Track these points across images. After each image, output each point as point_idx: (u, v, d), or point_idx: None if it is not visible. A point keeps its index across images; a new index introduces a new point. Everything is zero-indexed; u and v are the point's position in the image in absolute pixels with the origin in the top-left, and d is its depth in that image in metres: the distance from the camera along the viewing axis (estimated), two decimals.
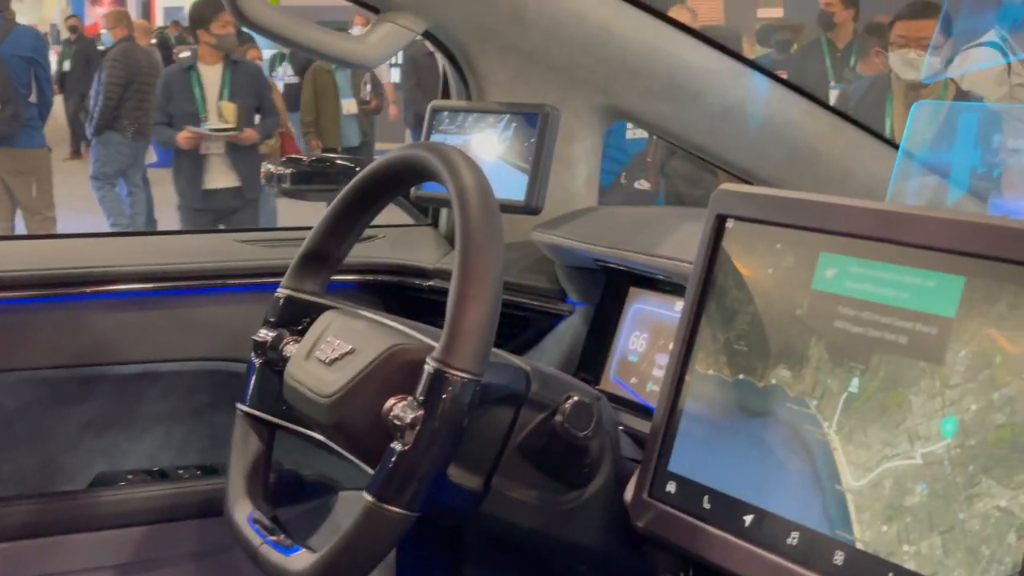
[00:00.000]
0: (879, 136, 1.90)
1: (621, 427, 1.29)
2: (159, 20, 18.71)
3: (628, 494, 1.17)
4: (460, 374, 1.06)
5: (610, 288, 1.53)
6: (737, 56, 1.82)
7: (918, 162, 1.72)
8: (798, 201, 1.09)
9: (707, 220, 1.16)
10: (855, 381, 0.99)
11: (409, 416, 1.07)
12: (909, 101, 3.96)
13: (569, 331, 1.58)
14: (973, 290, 0.92)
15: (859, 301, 1.01)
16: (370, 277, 1.75)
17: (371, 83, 8.59)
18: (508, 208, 1.55)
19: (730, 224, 1.15)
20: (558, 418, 1.13)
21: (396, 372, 1.14)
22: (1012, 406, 0.86)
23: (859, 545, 0.95)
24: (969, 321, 0.91)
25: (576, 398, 1.14)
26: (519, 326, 1.63)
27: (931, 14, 3.86)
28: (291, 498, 1.67)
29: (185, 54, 9.25)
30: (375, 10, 1.66)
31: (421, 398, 1.07)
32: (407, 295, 1.76)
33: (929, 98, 4.03)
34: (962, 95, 4.05)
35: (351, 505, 1.56)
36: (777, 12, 11.86)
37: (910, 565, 0.90)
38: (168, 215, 6.80)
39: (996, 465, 0.86)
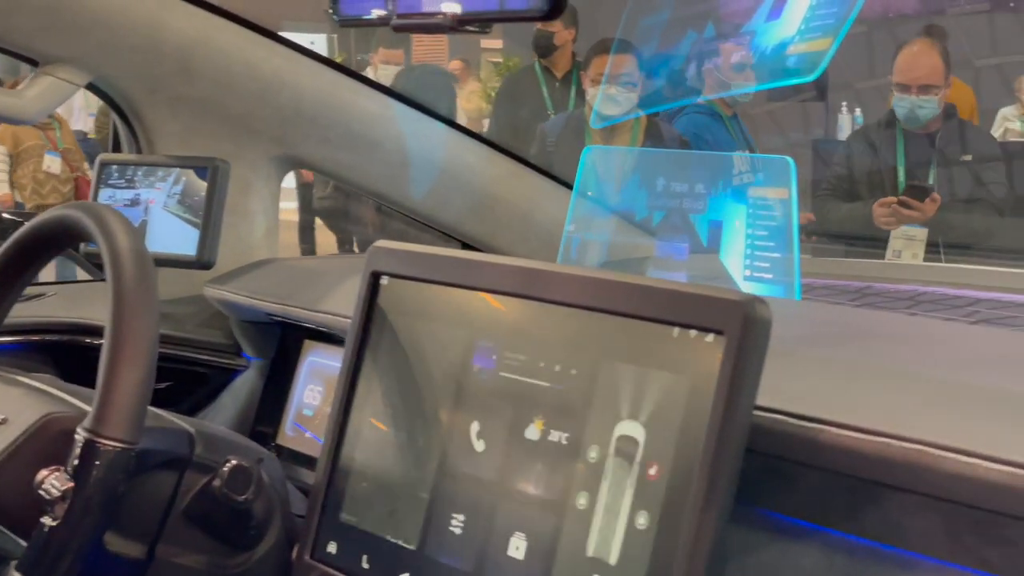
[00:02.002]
0: (555, 179, 1.99)
1: (295, 483, 1.31)
2: None
3: (295, 554, 1.19)
4: (112, 443, 1.05)
5: (285, 341, 1.56)
6: (415, 104, 1.88)
7: (591, 204, 1.83)
8: (446, 259, 1.14)
9: (363, 277, 1.20)
10: (513, 434, 1.05)
11: (59, 489, 1.05)
12: (605, 138, 4.11)
13: (245, 386, 1.59)
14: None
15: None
16: (38, 337, 1.72)
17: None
18: (180, 263, 1.56)
19: (385, 281, 1.20)
20: (216, 482, 1.15)
21: (49, 442, 1.12)
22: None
23: None
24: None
25: (234, 462, 1.15)
26: (196, 383, 1.63)
27: (628, 49, 3.99)
28: None
29: None
30: (34, 63, 1.63)
31: (72, 470, 1.06)
32: (81, 355, 1.73)
33: (623, 134, 4.20)
34: (655, 131, 4.26)
35: None
36: (498, 43, 12.10)
37: None
38: None
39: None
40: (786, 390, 0.98)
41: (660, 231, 1.72)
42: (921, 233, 3.47)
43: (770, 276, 1.56)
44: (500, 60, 11.55)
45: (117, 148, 1.78)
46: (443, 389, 1.11)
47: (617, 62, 3.85)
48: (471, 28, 1.00)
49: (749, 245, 1.59)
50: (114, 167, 1.66)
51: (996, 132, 7.62)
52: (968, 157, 3.72)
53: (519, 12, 1.01)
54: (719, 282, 1.57)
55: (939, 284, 1.82)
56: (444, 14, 1.06)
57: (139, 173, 1.63)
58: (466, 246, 1.96)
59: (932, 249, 3.48)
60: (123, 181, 1.64)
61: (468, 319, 1.11)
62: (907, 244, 3.44)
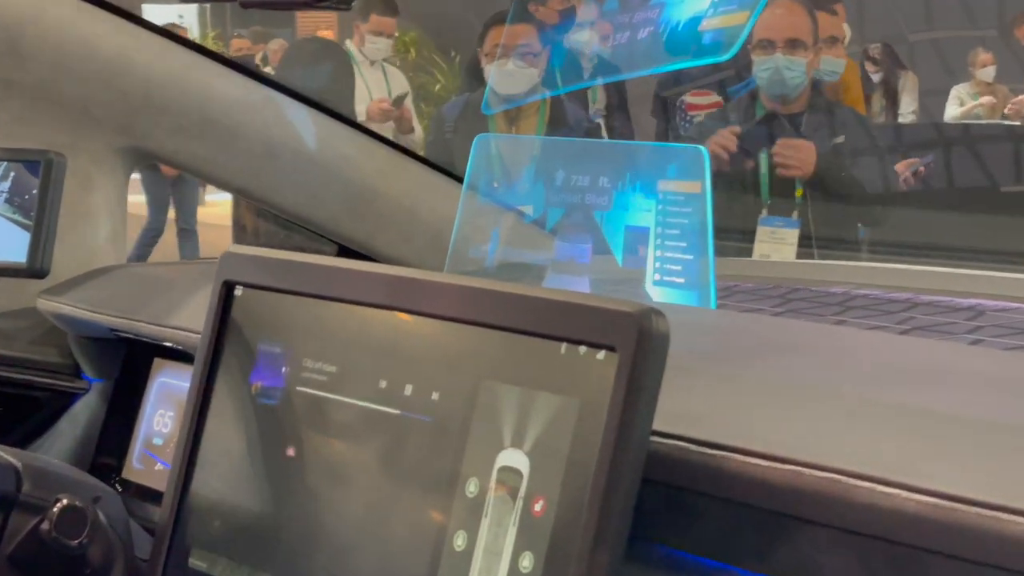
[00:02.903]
0: (443, 171, 1.99)
1: (143, 522, 1.30)
2: None
3: None
4: None
5: (131, 360, 1.54)
6: (284, 88, 1.87)
7: (483, 199, 1.82)
8: (306, 266, 1.13)
9: (214, 288, 1.19)
10: (382, 466, 1.04)
11: None
12: (510, 120, 4.11)
13: (86, 412, 1.57)
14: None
15: None
16: None
17: None
18: (7, 271, 1.52)
19: (239, 291, 1.18)
20: (45, 525, 1.12)
21: None
22: None
23: None
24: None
25: (65, 501, 1.13)
26: (28, 408, 1.60)
27: (526, 17, 3.94)
28: None
29: None
30: None
31: None
32: None
33: (528, 118, 4.21)
34: (557, 109, 4.26)
35: None
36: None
37: None
38: None
39: None
40: (689, 413, 0.98)
41: (560, 230, 1.72)
42: (791, 235, 3.51)
43: (682, 280, 1.57)
44: (396, 35, 11.57)
45: None
46: (303, 414, 1.10)
47: (513, 33, 3.85)
48: (325, 5, 0.99)
49: (659, 246, 1.60)
50: None
51: (951, 113, 7.75)
52: (840, 139, 3.69)
53: None
54: (625, 288, 1.58)
55: (873, 287, 1.85)
56: None
57: None
58: (344, 249, 1.95)
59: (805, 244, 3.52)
60: None
61: (330, 335, 1.10)
62: (773, 247, 3.48)
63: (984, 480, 0.83)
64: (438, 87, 10.19)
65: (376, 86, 6.01)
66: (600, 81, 3.16)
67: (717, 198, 3.60)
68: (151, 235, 7.24)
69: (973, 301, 1.68)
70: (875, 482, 0.85)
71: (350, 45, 6.18)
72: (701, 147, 1.58)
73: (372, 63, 6.06)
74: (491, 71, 3.91)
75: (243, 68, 1.84)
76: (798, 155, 3.56)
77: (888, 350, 1.30)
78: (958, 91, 7.95)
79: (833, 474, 0.87)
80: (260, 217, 5.76)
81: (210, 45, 10.06)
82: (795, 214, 3.63)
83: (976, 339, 1.46)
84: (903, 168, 4.81)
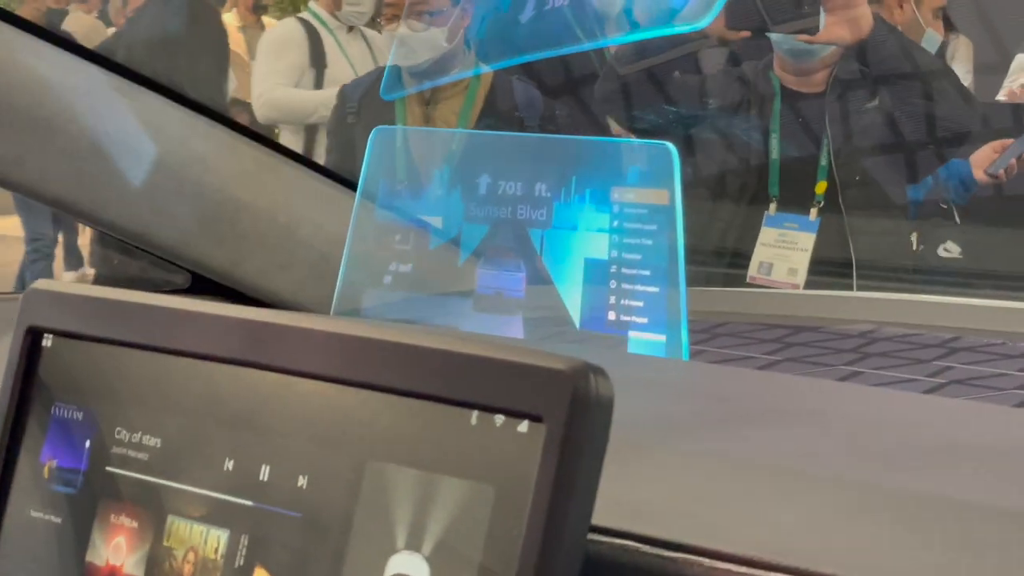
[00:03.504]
0: (335, 176, 2.00)
1: None
2: None
3: None
4: None
5: None
6: (117, 66, 1.87)
7: (384, 213, 1.84)
8: (134, 307, 1.13)
9: (14, 336, 1.18)
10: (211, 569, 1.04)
11: None
12: (424, 101, 4.12)
13: None
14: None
15: None
16: None
17: None
18: None
19: (48, 341, 1.18)
20: None
21: None
22: None
23: None
24: None
25: None
26: None
27: None
28: None
29: None
30: None
31: None
32: None
33: (454, 99, 4.23)
34: (505, 91, 4.29)
35: None
36: None
37: None
38: None
39: None
40: (640, 502, 1.00)
41: (484, 254, 1.73)
42: (806, 239, 3.55)
43: (644, 321, 1.59)
44: None
45: None
46: (115, 506, 1.10)
47: None
48: None
49: (615, 274, 1.62)
50: None
51: (1005, 91, 7.76)
52: (874, 103, 3.71)
53: None
54: (568, 332, 1.60)
55: (904, 325, 1.88)
56: None
57: None
58: (199, 280, 1.95)
59: (841, 271, 3.55)
60: None
61: (159, 399, 1.10)
62: (780, 254, 3.52)
63: None
64: None
65: (361, 59, 5.95)
66: (537, 56, 3.17)
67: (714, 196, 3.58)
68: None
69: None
70: None
71: (316, 8, 6.08)
72: (668, 144, 1.59)
73: (350, 29, 6.01)
74: (402, 39, 3.90)
75: (65, 41, 1.84)
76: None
77: (910, 415, 1.33)
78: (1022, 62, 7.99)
79: None
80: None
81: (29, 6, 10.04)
82: (813, 212, 3.68)
83: None
84: (987, 156, 4.22)
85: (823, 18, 3.50)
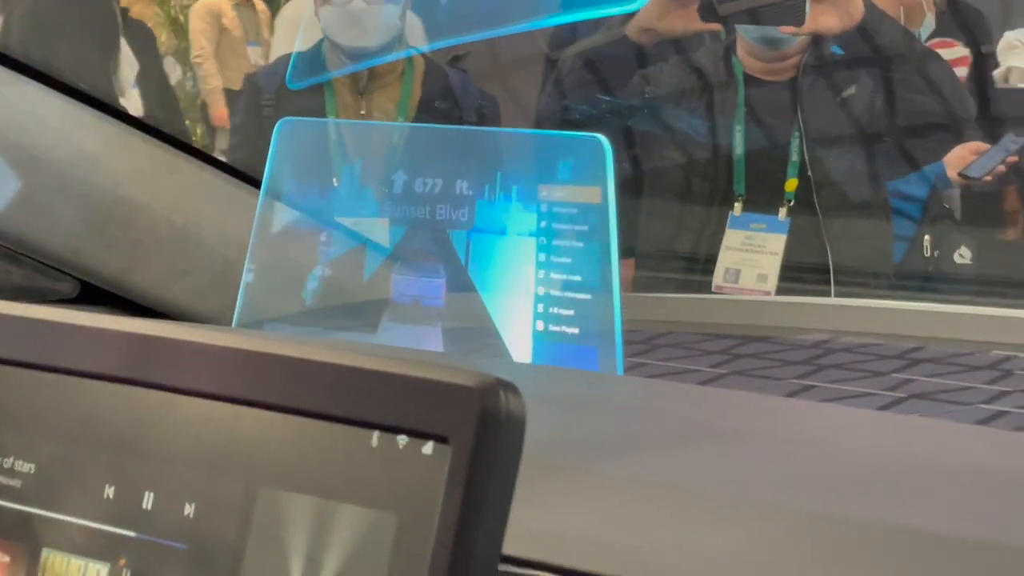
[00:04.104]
0: (239, 174, 2.01)
1: None
2: None
3: None
4: None
5: None
6: None
7: (291, 213, 1.85)
8: (6, 319, 1.15)
9: None
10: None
11: None
12: (359, 87, 4.12)
13: None
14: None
15: None
16: None
17: None
18: None
19: None
20: None
21: None
22: None
23: None
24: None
25: None
26: None
27: None
28: None
29: None
30: None
31: None
32: None
33: (389, 87, 4.23)
34: (435, 76, 4.30)
35: None
36: None
37: None
38: None
39: None
40: (556, 532, 1.01)
41: (400, 258, 1.75)
42: (775, 241, 3.57)
43: (576, 331, 1.60)
44: None
45: None
46: (1, 536, 1.11)
47: None
48: None
49: (542, 280, 1.63)
50: None
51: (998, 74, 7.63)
52: (851, 91, 3.71)
53: None
54: (489, 341, 1.61)
55: (863, 334, 1.90)
56: None
57: None
58: (89, 288, 1.96)
59: (817, 278, 3.57)
60: None
61: (30, 420, 1.11)
62: (748, 259, 3.53)
63: None
64: None
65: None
66: (473, 37, 3.19)
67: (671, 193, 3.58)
68: None
69: (1003, 354, 1.74)
70: None
71: None
72: (600, 136, 1.61)
73: None
74: (324, 11, 3.87)
75: None
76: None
77: (868, 435, 1.34)
78: (1010, 40, 7.86)
79: None
80: None
81: None
82: (783, 212, 3.70)
83: (998, 411, 1.51)
84: (961, 157, 4.21)
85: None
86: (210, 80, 8.58)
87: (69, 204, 1.90)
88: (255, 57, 7.20)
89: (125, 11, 7.46)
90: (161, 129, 2.01)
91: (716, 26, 3.60)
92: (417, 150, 1.78)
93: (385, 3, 3.77)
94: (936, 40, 4.55)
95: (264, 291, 1.82)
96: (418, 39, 3.97)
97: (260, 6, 8.55)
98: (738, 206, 3.75)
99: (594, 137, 1.62)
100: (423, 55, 4.18)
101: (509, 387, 0.93)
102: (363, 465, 0.96)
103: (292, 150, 1.83)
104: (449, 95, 4.23)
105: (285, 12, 5.52)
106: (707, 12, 3.48)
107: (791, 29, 3.56)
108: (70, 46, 5.47)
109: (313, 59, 3.71)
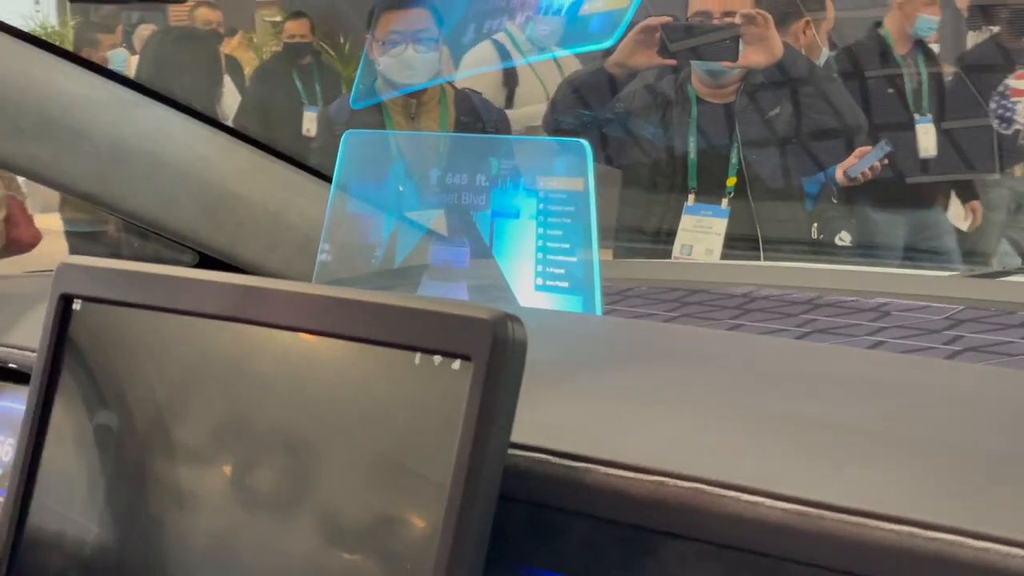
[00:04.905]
0: (314, 172, 2.02)
1: None
2: None
3: None
4: None
5: None
6: (134, 84, 1.89)
7: (354, 201, 1.86)
8: (146, 276, 1.16)
9: (50, 302, 1.21)
10: (232, 487, 1.07)
11: None
12: (410, 112, 4.14)
13: None
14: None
15: None
16: None
17: None
18: None
19: (77, 306, 1.21)
20: None
21: None
22: None
23: None
24: None
25: None
26: None
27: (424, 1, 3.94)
28: None
29: None
30: None
31: None
32: None
33: (430, 111, 4.24)
34: (463, 99, 4.31)
35: None
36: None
37: None
38: None
39: None
40: (551, 424, 1.03)
41: (436, 233, 1.76)
42: (719, 224, 3.59)
43: (566, 285, 1.62)
44: (280, 18, 11.57)
45: None
46: (147, 434, 1.13)
47: (410, 17, 3.88)
48: None
49: (540, 248, 1.64)
50: None
51: None
52: (775, 111, 3.76)
53: None
54: (503, 294, 1.62)
55: (777, 287, 1.91)
56: None
57: None
58: (206, 259, 1.97)
59: (749, 246, 3.59)
60: None
61: (172, 350, 1.13)
62: (698, 238, 3.55)
63: (848, 487, 0.88)
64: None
65: None
66: (486, 69, 3.20)
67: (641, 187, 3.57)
68: None
69: (880, 300, 1.75)
70: (739, 491, 0.90)
71: None
72: (583, 141, 1.63)
73: None
74: (384, 59, 3.90)
75: (88, 63, 1.85)
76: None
77: (780, 356, 1.36)
78: None
79: (696, 484, 0.92)
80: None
81: (70, 35, 9.97)
82: (725, 202, 3.72)
83: (878, 341, 1.52)
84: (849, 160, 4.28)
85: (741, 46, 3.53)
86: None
87: (189, 195, 1.91)
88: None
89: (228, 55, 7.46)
90: (256, 139, 2.02)
91: (671, 61, 3.62)
92: (447, 152, 1.79)
93: (429, 52, 3.79)
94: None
95: (335, 260, 1.83)
96: (448, 71, 4.03)
97: None
98: (691, 197, 3.77)
99: (579, 142, 1.64)
100: (452, 84, 4.24)
101: (515, 319, 0.95)
102: (408, 378, 0.99)
103: (354, 154, 1.84)
104: (473, 112, 4.26)
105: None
106: (663, 51, 3.52)
107: (728, 64, 3.59)
108: (188, 77, 5.47)
109: (369, 87, 3.72)
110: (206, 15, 7.38)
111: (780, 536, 0.88)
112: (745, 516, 0.89)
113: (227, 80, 6.57)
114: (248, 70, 7.80)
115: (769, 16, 3.55)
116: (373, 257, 1.85)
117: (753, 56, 3.57)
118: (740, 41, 3.52)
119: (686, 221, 3.67)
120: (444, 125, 4.21)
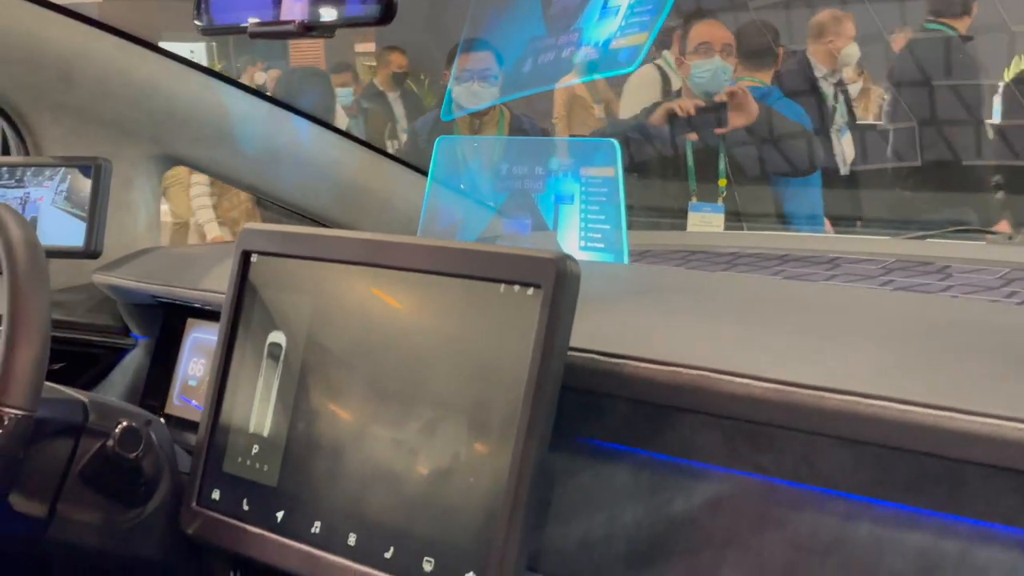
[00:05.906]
0: (413, 168, 2.07)
1: (182, 446, 1.37)
2: None
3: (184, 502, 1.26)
4: (12, 411, 1.09)
5: (169, 321, 1.61)
6: (282, 104, 1.94)
7: (445, 189, 1.90)
8: (305, 236, 1.22)
9: (235, 256, 1.27)
10: (367, 387, 1.13)
11: None
12: (474, 128, 4.21)
13: (133, 363, 1.64)
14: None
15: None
16: None
17: None
18: (69, 254, 1.59)
19: (254, 259, 1.27)
20: (110, 443, 1.21)
21: None
22: None
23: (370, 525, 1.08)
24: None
25: (125, 423, 1.21)
26: (88, 362, 1.67)
27: (487, 46, 4.04)
28: None
29: None
30: None
31: None
32: None
33: (490, 127, 4.30)
34: (516, 121, 4.36)
35: None
36: (370, 47, 12.10)
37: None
38: None
39: None
40: (598, 333, 1.06)
41: (505, 210, 1.80)
42: (717, 219, 3.63)
43: (602, 245, 1.65)
44: (373, 63, 11.57)
45: (7, 151, 1.81)
46: (305, 350, 1.19)
47: (476, 58, 3.95)
48: (315, 34, 1.09)
49: (583, 219, 1.68)
50: (4, 168, 1.69)
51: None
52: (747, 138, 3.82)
53: (356, 19, 1.09)
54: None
55: (758, 248, 1.93)
56: (293, 22, 1.14)
57: (28, 173, 1.67)
58: None
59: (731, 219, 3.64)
60: (13, 181, 1.68)
61: (324, 288, 1.19)
62: (704, 228, 3.57)
63: (813, 369, 0.93)
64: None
65: None
66: (535, 91, 3.26)
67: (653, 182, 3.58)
68: None
69: (834, 255, 1.77)
70: (734, 376, 0.94)
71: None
72: (614, 141, 1.66)
73: None
74: (456, 88, 3.98)
75: (249, 88, 1.91)
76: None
77: (759, 288, 1.40)
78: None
79: (704, 371, 0.96)
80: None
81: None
82: (719, 200, 3.76)
83: (831, 280, 1.55)
84: None
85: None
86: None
87: (324, 186, 1.96)
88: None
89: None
90: (372, 144, 2.07)
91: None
92: (513, 151, 1.82)
93: (490, 85, 3.84)
94: None
95: (431, 232, 1.86)
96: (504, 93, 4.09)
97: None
98: (693, 197, 3.83)
99: (610, 141, 1.67)
100: (508, 108, 4.29)
101: (571, 259, 1.00)
102: (495, 302, 1.03)
103: (445, 154, 1.87)
104: (523, 131, 4.31)
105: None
106: (675, 117, 3.77)
107: (720, 130, 3.73)
108: (311, 98, 5.54)
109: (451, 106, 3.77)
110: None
111: (763, 408, 0.92)
112: (739, 394, 0.93)
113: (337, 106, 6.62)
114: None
115: (747, 89, 3.69)
116: (459, 229, 1.88)
117: (736, 120, 3.73)
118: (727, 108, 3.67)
119: (692, 218, 3.71)
120: (500, 135, 4.28)
